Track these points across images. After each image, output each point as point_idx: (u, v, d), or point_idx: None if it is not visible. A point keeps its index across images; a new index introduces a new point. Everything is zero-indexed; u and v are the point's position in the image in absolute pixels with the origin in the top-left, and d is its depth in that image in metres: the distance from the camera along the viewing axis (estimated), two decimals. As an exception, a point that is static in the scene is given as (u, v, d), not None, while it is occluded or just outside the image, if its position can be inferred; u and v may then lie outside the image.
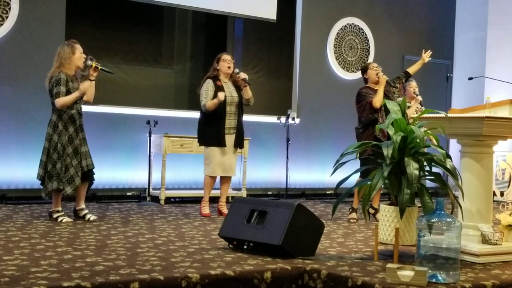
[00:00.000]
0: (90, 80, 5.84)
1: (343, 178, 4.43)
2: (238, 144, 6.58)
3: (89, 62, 5.83)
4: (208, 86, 6.45)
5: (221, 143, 6.43)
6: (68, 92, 5.66)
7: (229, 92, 6.50)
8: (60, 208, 5.79)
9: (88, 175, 5.86)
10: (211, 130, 6.45)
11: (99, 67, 5.87)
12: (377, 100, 6.36)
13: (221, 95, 6.37)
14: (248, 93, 6.57)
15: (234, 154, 6.60)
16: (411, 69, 7.14)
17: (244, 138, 6.74)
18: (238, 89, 6.59)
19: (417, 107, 7.36)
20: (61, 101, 5.64)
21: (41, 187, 5.82)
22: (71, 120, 5.71)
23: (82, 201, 5.94)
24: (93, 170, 5.93)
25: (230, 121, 6.49)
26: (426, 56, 7.16)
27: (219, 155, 6.46)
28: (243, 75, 6.52)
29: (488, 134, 4.39)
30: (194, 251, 4.42)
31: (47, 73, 5.82)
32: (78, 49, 5.79)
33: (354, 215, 6.51)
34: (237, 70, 6.64)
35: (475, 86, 8.79)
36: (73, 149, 5.68)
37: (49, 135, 5.71)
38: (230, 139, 6.49)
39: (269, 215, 4.38)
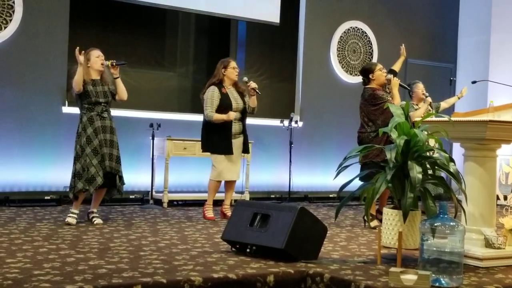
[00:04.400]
0: (114, 78, 6.02)
1: (346, 182, 4.42)
2: (244, 149, 6.61)
3: (105, 63, 5.98)
4: (213, 95, 6.40)
5: (229, 151, 6.43)
6: (86, 93, 5.81)
7: (234, 100, 6.49)
8: (76, 211, 5.84)
9: (111, 180, 5.86)
10: (217, 137, 6.44)
11: (114, 64, 6.01)
12: (397, 104, 6.02)
13: (231, 116, 6.38)
14: (254, 101, 6.58)
15: (239, 158, 6.63)
16: (396, 67, 6.93)
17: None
18: (242, 95, 6.59)
19: (428, 109, 7.31)
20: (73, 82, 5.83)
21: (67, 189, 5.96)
22: (90, 121, 5.83)
23: (95, 205, 5.97)
24: (120, 177, 5.92)
25: (235, 127, 6.50)
26: (403, 49, 7.14)
27: (226, 161, 6.45)
28: (253, 85, 6.51)
29: (491, 138, 4.39)
30: (197, 254, 4.42)
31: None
32: (93, 54, 5.93)
33: (376, 222, 6.17)
34: (246, 79, 6.65)
35: (478, 89, 8.77)
36: (91, 149, 5.77)
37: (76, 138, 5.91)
38: (235, 144, 6.49)
39: (272, 219, 4.37)
